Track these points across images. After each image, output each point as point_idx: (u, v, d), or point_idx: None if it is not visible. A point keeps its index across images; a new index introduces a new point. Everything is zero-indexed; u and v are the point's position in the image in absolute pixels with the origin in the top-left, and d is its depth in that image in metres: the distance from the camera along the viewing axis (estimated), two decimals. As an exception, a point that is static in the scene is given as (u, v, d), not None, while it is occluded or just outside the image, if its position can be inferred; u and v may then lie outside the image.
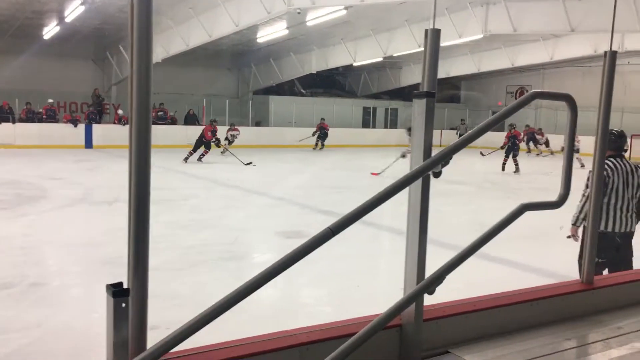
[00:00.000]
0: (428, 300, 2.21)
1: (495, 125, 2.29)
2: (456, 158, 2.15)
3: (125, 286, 1.60)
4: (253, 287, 1.59)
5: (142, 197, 1.60)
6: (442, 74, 28.87)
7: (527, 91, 23.30)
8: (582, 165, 15.79)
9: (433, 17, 2.95)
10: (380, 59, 24.54)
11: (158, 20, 18.69)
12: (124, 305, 1.59)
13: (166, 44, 20.86)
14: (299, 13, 16.06)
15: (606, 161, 4.54)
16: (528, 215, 2.30)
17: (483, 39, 19.59)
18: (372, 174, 14.92)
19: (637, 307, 2.84)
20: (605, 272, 4.61)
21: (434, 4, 10.18)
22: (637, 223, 4.73)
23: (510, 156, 17.08)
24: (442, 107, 31.17)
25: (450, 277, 2.08)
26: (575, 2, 14.28)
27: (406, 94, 30.71)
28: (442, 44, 17.34)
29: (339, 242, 2.02)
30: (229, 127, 21.26)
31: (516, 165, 17.05)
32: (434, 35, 2.22)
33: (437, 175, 2.15)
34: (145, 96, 1.59)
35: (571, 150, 2.43)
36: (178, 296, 5.19)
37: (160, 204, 9.46)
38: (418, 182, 2.16)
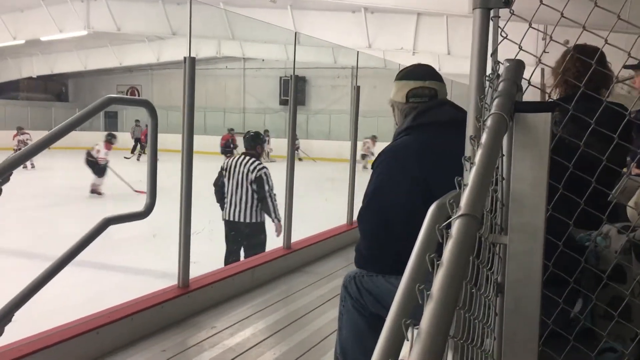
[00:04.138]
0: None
1: (67, 133, 2.05)
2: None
3: None
4: None
5: None
6: (45, 70, 26.62)
7: (137, 91, 23.03)
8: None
9: None
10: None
11: None
12: None
13: None
14: None
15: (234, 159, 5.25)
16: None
17: (88, 36, 18.69)
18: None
19: (230, 303, 2.99)
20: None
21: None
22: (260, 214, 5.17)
23: None
24: (49, 106, 28.74)
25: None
26: (175, 5, 14.80)
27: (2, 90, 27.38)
28: (43, 37, 15.47)
29: None
30: None
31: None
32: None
33: (-6, 195, 1.80)
34: None
35: (154, 156, 2.37)
36: None
37: None
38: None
